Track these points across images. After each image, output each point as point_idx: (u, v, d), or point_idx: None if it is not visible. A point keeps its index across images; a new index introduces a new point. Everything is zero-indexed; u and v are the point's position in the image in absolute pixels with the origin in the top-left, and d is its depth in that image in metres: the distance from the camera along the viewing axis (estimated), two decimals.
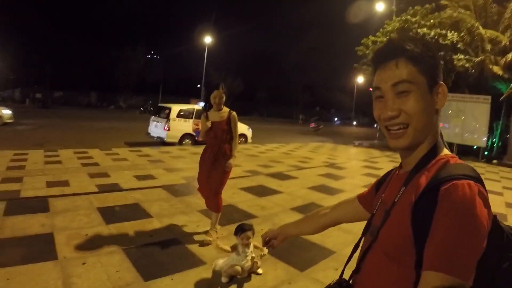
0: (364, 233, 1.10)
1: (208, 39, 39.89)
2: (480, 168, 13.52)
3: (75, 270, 3.27)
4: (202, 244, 4.03)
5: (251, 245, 3.21)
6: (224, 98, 4.38)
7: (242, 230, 3.18)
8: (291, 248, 4.00)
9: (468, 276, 0.71)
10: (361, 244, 1.11)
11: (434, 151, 0.94)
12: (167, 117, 13.13)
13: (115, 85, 62.48)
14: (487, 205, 0.78)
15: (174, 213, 5.14)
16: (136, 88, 61.78)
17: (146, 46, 65.88)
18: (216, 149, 4.31)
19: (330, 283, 1.11)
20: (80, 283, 3.07)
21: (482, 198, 0.77)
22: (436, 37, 16.79)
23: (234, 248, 3.22)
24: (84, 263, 3.40)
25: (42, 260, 3.39)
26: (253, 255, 3.25)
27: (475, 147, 16.70)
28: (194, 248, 3.97)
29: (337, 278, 1.14)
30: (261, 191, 6.74)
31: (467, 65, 16.37)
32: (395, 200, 0.93)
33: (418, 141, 0.94)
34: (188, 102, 46.13)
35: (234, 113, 4.45)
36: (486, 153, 16.58)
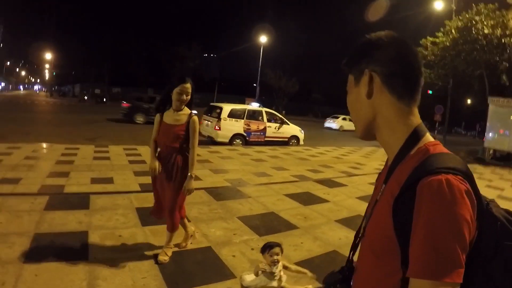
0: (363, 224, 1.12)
1: (263, 39, 39.96)
2: None
3: (102, 272, 3.20)
4: (161, 262, 3.47)
5: (280, 263, 2.95)
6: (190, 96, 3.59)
7: (269, 247, 2.94)
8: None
9: (456, 275, 0.70)
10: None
11: (410, 142, 0.91)
12: (218, 117, 13.14)
13: (171, 82, 64.23)
14: (470, 197, 0.75)
15: (213, 218, 4.97)
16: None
17: (202, 45, 67.39)
18: (167, 161, 3.54)
19: (334, 269, 1.14)
20: (105, 286, 3.00)
21: (462, 191, 0.74)
22: (500, 37, 15.58)
23: (257, 269, 2.98)
24: (112, 266, 3.32)
25: (73, 259, 3.37)
26: (282, 274, 2.99)
27: None
28: (226, 258, 3.75)
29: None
30: (306, 199, 6.42)
31: None
32: (377, 198, 0.94)
33: (368, 130, 0.99)
34: (244, 101, 46.58)
35: (195, 117, 3.61)
36: None
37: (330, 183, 8.10)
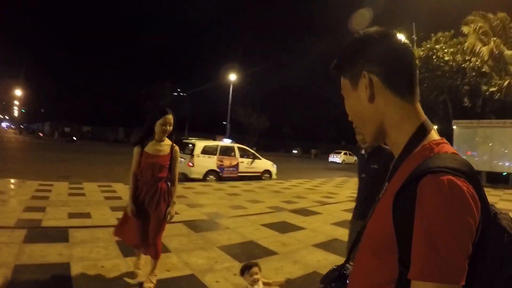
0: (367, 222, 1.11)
1: (233, 77, 40.69)
2: (510, 195, 13.05)
3: None
4: None
5: (260, 282, 3.08)
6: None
7: (248, 268, 3.07)
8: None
9: (458, 278, 0.67)
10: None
11: (414, 139, 0.87)
12: (191, 153, 13.25)
13: (142, 121, 63.72)
14: (473, 199, 0.70)
15: (193, 248, 5.03)
16: None
17: (173, 83, 67.88)
18: (152, 190, 3.61)
19: (333, 266, 1.15)
20: None
21: (464, 192, 0.69)
22: (461, 62, 16.74)
23: None
24: None
25: None
26: None
27: (504, 173, 16.16)
28: (211, 284, 3.83)
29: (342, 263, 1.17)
30: (283, 227, 6.57)
31: (492, 89, 16.15)
32: (379, 196, 0.92)
33: (378, 134, 0.95)
34: (214, 139, 46.67)
35: (177, 147, 3.81)
36: None
37: (305, 212, 8.30)
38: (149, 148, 3.67)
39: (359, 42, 0.94)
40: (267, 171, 15.95)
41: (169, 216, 3.69)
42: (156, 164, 3.62)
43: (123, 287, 3.58)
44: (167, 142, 3.75)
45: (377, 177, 2.52)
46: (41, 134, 50.64)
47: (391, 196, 0.79)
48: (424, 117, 0.91)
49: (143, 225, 3.64)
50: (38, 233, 5.03)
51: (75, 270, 3.88)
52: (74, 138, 47.15)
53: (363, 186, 3.26)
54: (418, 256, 0.69)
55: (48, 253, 4.29)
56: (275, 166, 16.31)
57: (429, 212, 0.69)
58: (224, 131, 44.25)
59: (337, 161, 41.72)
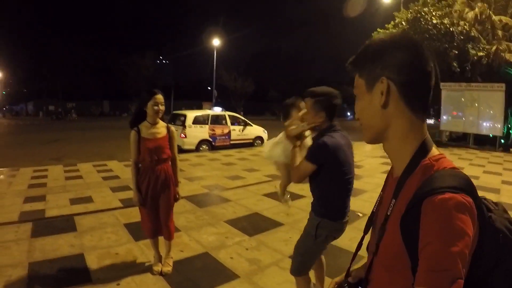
0: (366, 231, 1.13)
1: (216, 41, 39.85)
2: (497, 157, 13.39)
3: None
4: (165, 273, 3.60)
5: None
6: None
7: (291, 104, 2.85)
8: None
9: (456, 286, 0.71)
10: (364, 242, 1.15)
11: (418, 156, 0.91)
12: (183, 124, 13.16)
13: (127, 93, 63.06)
14: (472, 214, 0.76)
15: (201, 225, 5.12)
16: None
17: (155, 52, 66.34)
18: (157, 173, 3.58)
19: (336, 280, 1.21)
20: None
21: (464, 210, 0.75)
22: (449, 25, 16.64)
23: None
24: (118, 284, 3.38)
25: (76, 283, 3.38)
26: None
27: (491, 135, 16.44)
28: (225, 261, 3.93)
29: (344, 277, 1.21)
30: None
31: (480, 53, 16.21)
32: (388, 213, 0.93)
33: (377, 138, 0.98)
34: (201, 105, 46.13)
35: (173, 128, 3.76)
36: (502, 141, 16.27)
37: None
38: (145, 132, 3.57)
39: (384, 46, 0.93)
40: (259, 137, 16.03)
41: (178, 196, 3.77)
42: (156, 147, 3.56)
43: (142, 273, 3.63)
44: (162, 124, 3.69)
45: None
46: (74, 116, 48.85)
47: (398, 216, 0.85)
48: (427, 133, 0.94)
49: (155, 211, 3.65)
50: (44, 225, 4.97)
51: (90, 260, 3.90)
52: (74, 114, 46.27)
53: None
54: (421, 270, 0.75)
55: (59, 246, 4.27)
56: (266, 132, 16.35)
57: (433, 229, 0.75)
58: (210, 97, 43.82)
59: None
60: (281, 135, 2.82)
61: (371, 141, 1.00)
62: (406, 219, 0.82)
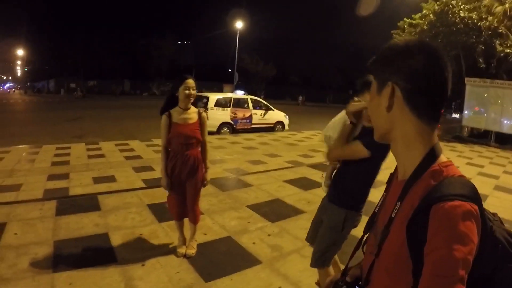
0: (366, 231, 1.15)
1: (239, 24, 39.52)
2: None
3: (135, 272, 3.28)
4: (190, 255, 3.64)
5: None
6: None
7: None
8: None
9: None
10: (363, 241, 1.16)
11: (426, 162, 0.91)
12: (205, 107, 13.19)
13: (148, 73, 63.60)
14: (477, 222, 0.79)
15: (224, 209, 5.12)
16: (168, 75, 61.86)
17: (176, 33, 66.58)
18: (186, 158, 3.59)
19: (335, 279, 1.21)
20: (143, 285, 3.09)
21: (471, 218, 0.77)
22: (476, 21, 16.13)
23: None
24: (143, 265, 3.41)
25: (101, 262, 3.41)
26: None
27: None
28: (248, 246, 3.93)
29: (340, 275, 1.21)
30: (305, 184, 6.66)
31: (507, 50, 15.70)
32: (392, 216, 0.93)
33: (384, 138, 1.00)
34: (221, 87, 46.12)
35: (204, 113, 3.78)
36: None
37: (322, 167, 8.33)
38: (176, 117, 3.56)
39: (394, 50, 0.93)
40: (280, 122, 15.96)
41: (206, 181, 3.77)
42: (186, 133, 3.55)
43: (166, 254, 3.65)
44: (193, 109, 3.67)
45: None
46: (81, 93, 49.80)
47: (404, 220, 0.85)
48: (436, 140, 0.94)
49: (182, 195, 3.67)
50: (68, 204, 5.02)
51: (115, 240, 3.94)
52: (79, 92, 47.06)
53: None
54: (425, 275, 0.76)
55: (84, 225, 4.32)
56: (287, 117, 16.26)
57: (440, 236, 0.76)
58: (230, 79, 43.67)
59: None
60: (341, 114, 2.71)
61: (379, 140, 1.02)
62: (414, 223, 0.83)
